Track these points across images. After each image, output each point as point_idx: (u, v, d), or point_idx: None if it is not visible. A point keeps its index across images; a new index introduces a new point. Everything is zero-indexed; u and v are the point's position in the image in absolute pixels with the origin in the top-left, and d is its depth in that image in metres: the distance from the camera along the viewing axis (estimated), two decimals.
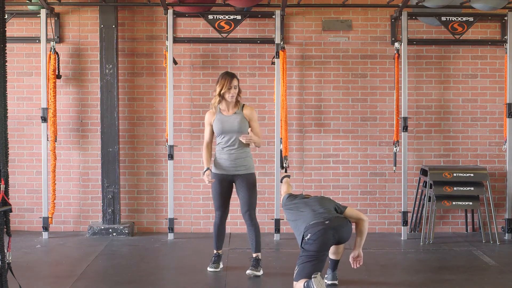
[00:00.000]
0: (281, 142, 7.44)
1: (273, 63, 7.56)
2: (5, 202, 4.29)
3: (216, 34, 7.63)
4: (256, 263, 5.86)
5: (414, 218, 7.76)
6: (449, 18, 7.48)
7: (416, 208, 7.76)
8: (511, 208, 7.58)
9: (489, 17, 7.73)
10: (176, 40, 7.62)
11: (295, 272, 5.08)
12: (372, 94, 7.86)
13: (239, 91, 5.88)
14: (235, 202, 6.12)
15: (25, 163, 7.81)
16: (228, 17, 7.45)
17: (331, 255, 5.37)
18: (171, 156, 7.46)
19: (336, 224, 5.09)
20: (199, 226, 7.86)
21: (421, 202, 7.66)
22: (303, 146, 7.85)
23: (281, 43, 7.46)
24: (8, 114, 4.41)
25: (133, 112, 7.85)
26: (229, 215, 6.05)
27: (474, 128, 7.88)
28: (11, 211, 4.37)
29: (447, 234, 7.77)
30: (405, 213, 7.52)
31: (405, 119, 7.47)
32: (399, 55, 7.54)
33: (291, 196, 5.59)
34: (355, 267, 5.45)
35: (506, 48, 7.61)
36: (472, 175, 7.28)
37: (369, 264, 6.14)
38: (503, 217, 7.68)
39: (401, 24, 7.48)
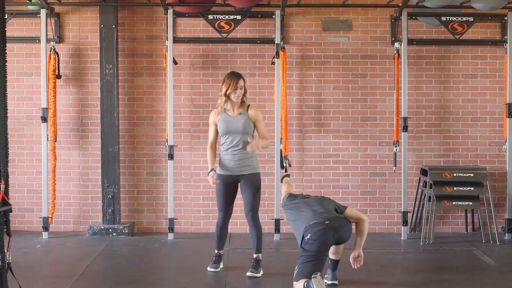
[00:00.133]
0: (281, 142, 7.44)
1: (273, 63, 7.56)
2: (5, 202, 4.29)
3: (216, 34, 7.63)
4: (256, 264, 5.86)
5: (414, 218, 7.76)
6: (449, 18, 7.48)
7: (416, 208, 7.76)
8: (511, 208, 7.58)
9: (489, 17, 7.73)
10: (176, 40, 7.62)
11: (295, 272, 5.08)
12: (372, 94, 7.86)
13: (245, 92, 5.84)
14: (237, 202, 6.11)
15: (25, 163, 7.81)
16: (228, 17, 7.45)
17: (331, 255, 5.37)
18: (171, 156, 7.46)
19: (336, 224, 5.09)
20: (199, 226, 7.86)
21: (421, 202, 7.66)
22: (303, 146, 7.85)
23: (281, 43, 7.46)
24: (8, 114, 4.41)
25: (133, 112, 7.85)
26: None
27: (474, 128, 7.88)
28: (11, 211, 4.37)
29: (447, 234, 7.77)
30: (405, 213, 7.52)
31: (405, 119, 7.47)
32: (399, 55, 7.54)
33: (291, 196, 5.60)
34: (355, 267, 5.46)
35: (506, 48, 7.61)
36: (472, 175, 7.28)
37: (369, 264, 6.14)
38: (503, 217, 7.68)
39: (401, 24, 7.48)
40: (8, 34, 4.52)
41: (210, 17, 7.46)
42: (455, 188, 7.27)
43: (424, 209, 7.45)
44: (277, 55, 7.41)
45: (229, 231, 6.21)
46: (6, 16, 4.54)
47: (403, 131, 7.49)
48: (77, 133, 7.84)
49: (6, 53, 4.34)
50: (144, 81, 7.85)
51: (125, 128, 7.83)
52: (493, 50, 7.86)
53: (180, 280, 5.83)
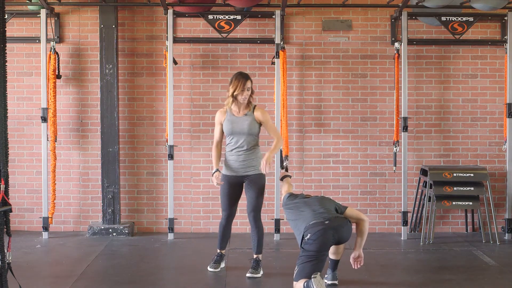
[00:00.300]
0: None
1: (273, 63, 7.56)
2: (5, 202, 4.29)
3: (216, 34, 7.63)
4: (256, 265, 5.86)
5: (414, 218, 7.76)
6: (449, 18, 7.48)
7: (416, 208, 7.76)
8: (511, 208, 7.58)
9: (489, 17, 7.73)
10: (176, 40, 7.62)
11: (295, 272, 5.08)
12: (372, 94, 7.86)
13: (252, 92, 5.81)
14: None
15: (25, 163, 7.81)
16: (228, 17, 7.45)
17: (331, 255, 5.37)
18: (171, 156, 7.47)
19: (336, 224, 5.09)
20: (199, 226, 7.86)
21: (421, 202, 7.66)
22: (303, 146, 7.86)
23: (281, 43, 7.46)
24: (8, 114, 4.41)
25: (133, 112, 7.85)
26: None
27: (474, 128, 7.88)
28: (11, 211, 4.38)
29: (447, 234, 7.77)
30: (405, 213, 7.52)
31: (405, 119, 7.47)
32: (399, 55, 7.54)
33: (291, 196, 5.60)
34: (355, 267, 5.46)
35: (506, 48, 7.61)
36: (472, 175, 7.28)
37: (369, 264, 6.14)
38: (503, 217, 7.68)
39: (401, 24, 7.48)
40: (8, 34, 4.52)
41: (210, 17, 7.47)
42: (455, 188, 7.27)
43: (424, 209, 7.45)
44: (277, 55, 7.41)
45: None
46: (6, 16, 4.54)
47: (403, 131, 7.49)
48: (77, 133, 7.84)
49: (6, 53, 4.34)
50: (144, 81, 7.85)
51: (125, 128, 7.83)
52: (493, 50, 7.86)
53: (180, 280, 5.83)
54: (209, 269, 6.02)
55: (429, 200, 7.33)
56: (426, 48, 7.87)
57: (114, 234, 7.56)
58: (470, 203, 7.33)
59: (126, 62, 7.83)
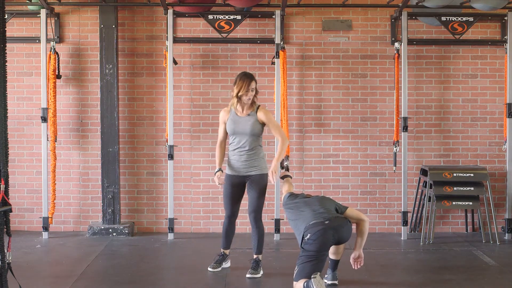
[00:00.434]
0: None
1: (273, 63, 7.56)
2: (5, 202, 4.29)
3: (216, 34, 7.63)
4: (256, 265, 5.86)
5: (414, 218, 7.76)
6: (449, 18, 7.48)
7: (416, 208, 7.76)
8: (511, 208, 7.58)
9: (489, 17, 7.73)
10: (176, 40, 7.62)
11: (295, 272, 5.08)
12: (372, 94, 7.86)
13: (256, 92, 5.80)
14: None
15: (25, 163, 7.81)
16: (228, 17, 7.45)
17: (331, 255, 5.37)
18: (171, 156, 7.47)
19: (336, 224, 5.09)
20: (199, 226, 7.86)
21: (421, 202, 7.66)
22: (303, 146, 7.85)
23: (281, 43, 7.46)
24: (8, 114, 4.41)
25: (133, 112, 7.85)
26: None
27: (474, 128, 7.88)
28: (11, 211, 4.37)
29: (447, 234, 7.77)
30: (405, 213, 7.52)
31: (405, 119, 7.47)
32: (399, 55, 7.54)
33: (292, 195, 5.59)
34: (355, 268, 5.46)
35: (506, 48, 7.61)
36: (472, 175, 7.28)
37: (369, 264, 6.14)
38: (503, 217, 7.68)
39: (401, 24, 7.48)
40: (8, 34, 4.52)
41: (210, 17, 7.46)
42: (455, 188, 7.27)
43: (424, 209, 7.45)
44: (277, 55, 7.41)
45: None
46: (6, 16, 4.54)
47: (403, 131, 7.49)
48: (77, 133, 7.84)
49: (6, 53, 4.33)
50: (144, 81, 7.85)
51: (125, 128, 7.83)
52: (493, 50, 7.86)
53: (180, 280, 5.83)
54: (208, 269, 6.01)
55: (429, 200, 7.33)
56: (426, 48, 7.87)
57: (114, 234, 7.56)
58: (470, 203, 7.33)
59: (126, 62, 7.83)
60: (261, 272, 5.86)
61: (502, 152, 7.79)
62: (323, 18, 7.85)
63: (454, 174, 7.27)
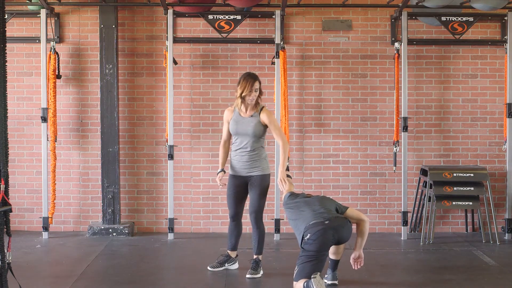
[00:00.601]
0: None
1: (273, 63, 7.56)
2: (5, 202, 4.29)
3: (216, 34, 7.63)
4: (256, 265, 5.85)
5: (414, 218, 7.76)
6: (449, 18, 7.48)
7: (416, 208, 7.76)
8: (511, 208, 7.58)
9: (489, 17, 7.73)
10: (176, 40, 7.62)
11: (295, 272, 5.08)
12: (372, 94, 7.86)
13: (260, 93, 5.77)
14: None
15: (25, 163, 7.81)
16: (228, 17, 7.45)
17: (331, 255, 5.37)
18: (171, 156, 7.46)
19: (336, 224, 5.08)
20: (199, 226, 7.86)
21: (421, 202, 7.66)
22: (303, 146, 7.85)
23: (281, 43, 7.46)
24: (8, 114, 4.40)
25: (133, 112, 7.85)
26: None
27: (474, 128, 7.88)
28: (11, 211, 4.37)
29: (447, 234, 7.77)
30: (405, 213, 7.52)
31: (405, 119, 7.47)
32: (399, 55, 7.54)
33: (292, 195, 5.58)
34: (355, 268, 5.45)
35: (506, 48, 7.61)
36: (472, 175, 7.28)
37: (369, 264, 6.13)
38: (503, 217, 7.68)
39: (401, 24, 7.48)
40: (8, 34, 4.52)
41: (210, 17, 7.46)
42: (455, 188, 7.27)
43: (424, 209, 7.45)
44: (277, 55, 7.41)
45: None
46: (6, 16, 4.54)
47: (403, 131, 7.49)
48: (77, 133, 7.84)
49: (6, 53, 4.33)
50: (144, 81, 7.85)
51: (125, 128, 7.83)
52: (493, 50, 7.86)
53: (180, 280, 5.83)
54: (208, 268, 6.01)
55: (429, 200, 7.33)
56: (426, 48, 7.87)
57: (114, 234, 7.56)
58: (470, 203, 7.33)
59: (126, 62, 7.83)
60: (261, 272, 5.86)
61: (502, 152, 7.79)
62: (323, 18, 7.85)
63: (454, 174, 7.27)
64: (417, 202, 7.75)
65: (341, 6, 7.68)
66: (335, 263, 5.47)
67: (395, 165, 7.69)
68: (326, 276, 5.52)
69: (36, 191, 7.75)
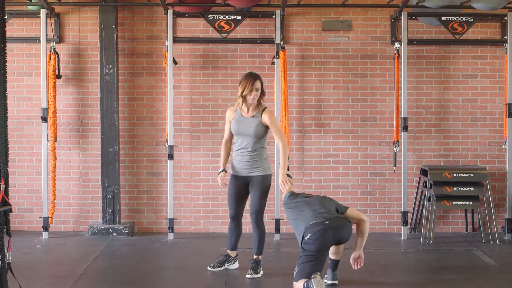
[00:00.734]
0: None
1: (273, 63, 7.56)
2: (5, 202, 4.29)
3: (216, 34, 7.63)
4: (256, 265, 5.85)
5: (414, 218, 7.76)
6: (449, 18, 7.48)
7: (416, 208, 7.76)
8: (511, 208, 7.58)
9: (489, 17, 7.73)
10: (176, 40, 7.62)
11: (295, 272, 5.08)
12: (372, 94, 7.86)
13: (263, 93, 5.76)
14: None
15: (25, 163, 7.81)
16: (228, 17, 7.45)
17: (331, 255, 5.37)
18: (171, 156, 7.46)
19: (336, 224, 5.08)
20: (199, 226, 7.86)
21: (421, 202, 7.66)
22: (303, 146, 7.85)
23: (281, 43, 7.46)
24: (8, 114, 4.40)
25: (133, 112, 7.85)
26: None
27: (474, 128, 7.88)
28: (11, 211, 4.37)
29: (447, 234, 7.77)
30: (405, 213, 7.52)
31: (405, 119, 7.47)
32: (399, 55, 7.54)
33: (292, 195, 5.58)
34: (355, 268, 5.45)
35: (506, 48, 7.61)
36: (472, 175, 7.28)
37: (369, 264, 6.13)
38: (503, 217, 7.68)
39: (401, 24, 7.48)
40: (8, 34, 4.52)
41: (210, 17, 7.46)
42: (455, 188, 7.27)
43: (424, 209, 7.45)
44: (277, 55, 7.41)
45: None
46: (6, 16, 4.54)
47: (403, 131, 7.49)
48: (77, 133, 7.84)
49: (6, 53, 4.33)
50: (144, 81, 7.85)
51: (125, 128, 7.83)
52: (493, 50, 7.86)
53: (180, 280, 5.83)
54: (207, 268, 6.01)
55: (429, 200, 7.33)
56: (426, 48, 7.87)
57: (114, 234, 7.56)
58: (470, 203, 7.33)
59: (126, 62, 7.83)
60: (261, 272, 5.86)
61: (502, 152, 7.79)
62: (323, 18, 7.85)
63: (454, 174, 7.27)
64: (417, 202, 7.75)
65: (341, 6, 7.68)
66: (335, 263, 5.47)
67: (395, 165, 7.69)
68: (326, 276, 5.52)
69: (36, 191, 7.75)
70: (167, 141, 7.52)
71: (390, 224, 7.88)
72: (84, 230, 7.79)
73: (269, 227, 7.53)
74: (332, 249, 5.30)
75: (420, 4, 7.18)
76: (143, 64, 7.85)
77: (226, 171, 5.93)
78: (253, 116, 5.75)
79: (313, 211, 5.20)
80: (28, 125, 7.79)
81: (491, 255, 6.67)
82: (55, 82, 7.48)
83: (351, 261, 5.43)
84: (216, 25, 7.47)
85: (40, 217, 7.55)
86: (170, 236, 7.50)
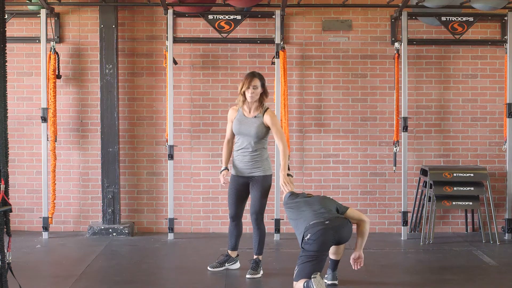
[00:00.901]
0: None
1: (273, 63, 7.56)
2: (5, 202, 4.29)
3: (216, 34, 7.63)
4: (256, 265, 5.85)
5: (414, 218, 7.76)
6: (449, 18, 7.48)
7: (416, 208, 7.76)
8: (511, 208, 7.58)
9: (489, 17, 7.73)
10: (176, 40, 7.62)
11: (295, 272, 5.08)
12: (372, 94, 7.86)
13: (265, 93, 5.77)
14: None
15: (25, 163, 7.81)
16: (228, 17, 7.45)
17: (331, 255, 5.37)
18: (171, 156, 7.46)
19: (336, 224, 5.08)
20: (199, 226, 7.86)
21: (421, 202, 7.66)
22: (303, 146, 7.85)
23: (281, 43, 7.46)
24: (8, 114, 4.40)
25: (133, 112, 7.85)
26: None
27: (474, 128, 7.88)
28: (11, 211, 4.37)
29: (447, 234, 7.77)
30: (405, 213, 7.52)
31: (405, 119, 7.47)
32: (399, 55, 7.54)
33: (293, 195, 5.58)
34: (355, 268, 5.45)
35: (506, 48, 7.61)
36: (472, 175, 7.28)
37: (369, 264, 6.13)
38: (503, 217, 7.68)
39: (401, 24, 7.48)
40: (8, 34, 4.51)
41: (210, 17, 7.46)
42: (455, 188, 7.27)
43: (424, 209, 7.45)
44: (277, 55, 7.41)
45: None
46: (6, 16, 4.54)
47: (403, 131, 7.49)
48: (77, 133, 7.84)
49: (6, 53, 4.33)
50: (144, 81, 7.85)
51: (125, 128, 7.83)
52: (493, 50, 7.86)
53: (180, 280, 5.83)
54: (207, 268, 6.01)
55: (429, 200, 7.33)
56: (426, 48, 7.87)
57: (114, 234, 7.56)
58: (470, 203, 7.33)
59: (126, 62, 7.83)
60: (261, 272, 5.86)
61: (502, 152, 7.79)
62: (323, 18, 7.85)
63: (454, 174, 7.27)
64: (417, 202, 7.75)
65: (341, 6, 7.68)
66: (335, 263, 5.47)
67: (395, 165, 7.69)
68: (326, 276, 5.52)
69: (36, 191, 7.75)
70: (167, 141, 7.52)
71: (390, 224, 7.88)
72: (84, 230, 7.79)
73: (269, 227, 7.52)
74: (332, 249, 5.30)
75: (420, 4, 7.18)
76: (143, 64, 7.85)
77: (228, 169, 5.92)
78: (255, 117, 5.75)
79: (314, 211, 5.20)
80: (28, 125, 7.79)
81: (491, 255, 6.67)
82: (55, 82, 7.48)
83: (351, 261, 5.43)
84: (216, 25, 7.47)
85: (40, 217, 7.55)
86: (170, 236, 7.50)
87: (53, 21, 7.68)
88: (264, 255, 6.10)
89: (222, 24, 7.47)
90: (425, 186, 7.46)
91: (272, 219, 7.51)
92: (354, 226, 5.34)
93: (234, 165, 5.87)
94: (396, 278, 5.87)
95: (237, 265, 6.09)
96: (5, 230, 4.34)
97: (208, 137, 7.80)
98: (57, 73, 7.52)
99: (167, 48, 7.47)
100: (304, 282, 4.88)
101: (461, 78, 7.88)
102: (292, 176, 6.12)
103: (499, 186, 7.85)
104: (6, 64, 4.34)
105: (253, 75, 5.74)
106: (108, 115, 7.64)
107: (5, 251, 4.32)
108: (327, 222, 5.06)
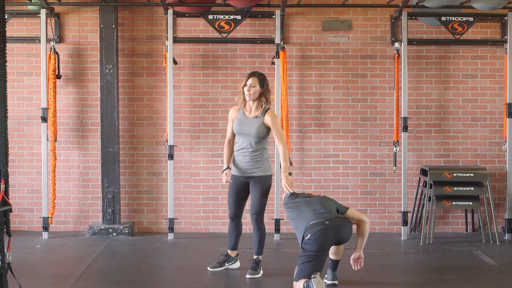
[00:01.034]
0: None
1: (273, 63, 7.56)
2: (5, 202, 4.29)
3: (216, 34, 7.63)
4: (256, 266, 5.85)
5: (414, 218, 7.76)
6: (449, 18, 7.48)
7: (416, 208, 7.76)
8: (511, 208, 7.58)
9: (489, 17, 7.73)
10: (176, 40, 7.62)
11: (295, 272, 5.08)
12: (372, 94, 7.86)
13: (268, 93, 5.76)
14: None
15: (25, 163, 7.81)
16: (228, 17, 7.45)
17: (331, 255, 5.37)
18: (171, 156, 7.46)
19: (336, 224, 5.08)
20: (199, 226, 7.86)
21: (421, 202, 7.66)
22: (303, 146, 7.85)
23: (281, 43, 7.46)
24: (8, 114, 4.40)
25: (133, 112, 7.85)
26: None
27: (474, 128, 7.88)
28: (11, 211, 4.37)
29: (447, 234, 7.77)
30: (405, 213, 7.52)
31: (405, 119, 7.47)
32: (399, 55, 7.54)
33: (293, 195, 5.57)
34: (355, 268, 5.45)
35: (506, 48, 7.61)
36: (472, 175, 7.28)
37: (369, 264, 6.13)
38: (503, 217, 7.68)
39: (401, 24, 7.48)
40: (8, 34, 4.51)
41: (210, 17, 7.46)
42: (455, 188, 7.27)
43: (424, 209, 7.45)
44: (277, 55, 7.41)
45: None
46: (6, 16, 4.54)
47: (403, 131, 7.49)
48: (77, 133, 7.84)
49: (6, 53, 4.33)
50: (144, 81, 7.85)
51: (125, 128, 7.83)
52: (493, 50, 7.86)
53: (180, 280, 5.83)
54: (207, 268, 6.01)
55: (429, 200, 7.33)
56: (426, 48, 7.87)
57: (114, 234, 7.56)
58: (470, 203, 7.33)
59: (126, 62, 7.83)
60: (261, 272, 5.86)
61: (502, 152, 7.79)
62: (323, 18, 7.85)
63: (454, 174, 7.27)
64: (417, 202, 7.75)
65: (341, 6, 7.68)
66: (335, 263, 5.47)
67: (395, 165, 7.69)
68: (326, 276, 5.52)
69: (36, 191, 7.75)
70: (167, 141, 7.52)
71: (390, 224, 7.88)
72: (84, 230, 7.79)
73: (269, 227, 7.52)
74: (332, 249, 5.30)
75: (420, 4, 7.18)
76: (143, 64, 7.85)
77: (230, 168, 5.92)
78: (256, 117, 5.75)
79: (314, 211, 5.20)
80: (28, 125, 7.79)
81: (491, 255, 6.67)
82: (55, 82, 7.48)
83: (351, 261, 5.43)
84: (216, 25, 7.47)
85: (40, 217, 7.55)
86: (170, 236, 7.50)
87: (53, 21, 7.68)
88: (264, 255, 6.10)
89: (222, 24, 7.47)
90: (425, 186, 7.46)
91: (272, 219, 7.51)
92: (354, 227, 5.34)
93: (235, 165, 5.87)
94: (396, 278, 5.87)
95: (237, 265, 6.09)
96: (5, 230, 4.34)
97: (208, 137, 7.80)
98: (57, 73, 7.52)
99: (167, 48, 7.47)
100: (304, 282, 4.88)
101: (461, 78, 7.88)
102: (291, 174, 6.13)
103: (499, 186, 7.85)
104: (6, 64, 4.34)
105: (252, 74, 5.77)
106: (108, 115, 7.64)
107: (5, 251, 4.32)
108: (327, 222, 5.06)
